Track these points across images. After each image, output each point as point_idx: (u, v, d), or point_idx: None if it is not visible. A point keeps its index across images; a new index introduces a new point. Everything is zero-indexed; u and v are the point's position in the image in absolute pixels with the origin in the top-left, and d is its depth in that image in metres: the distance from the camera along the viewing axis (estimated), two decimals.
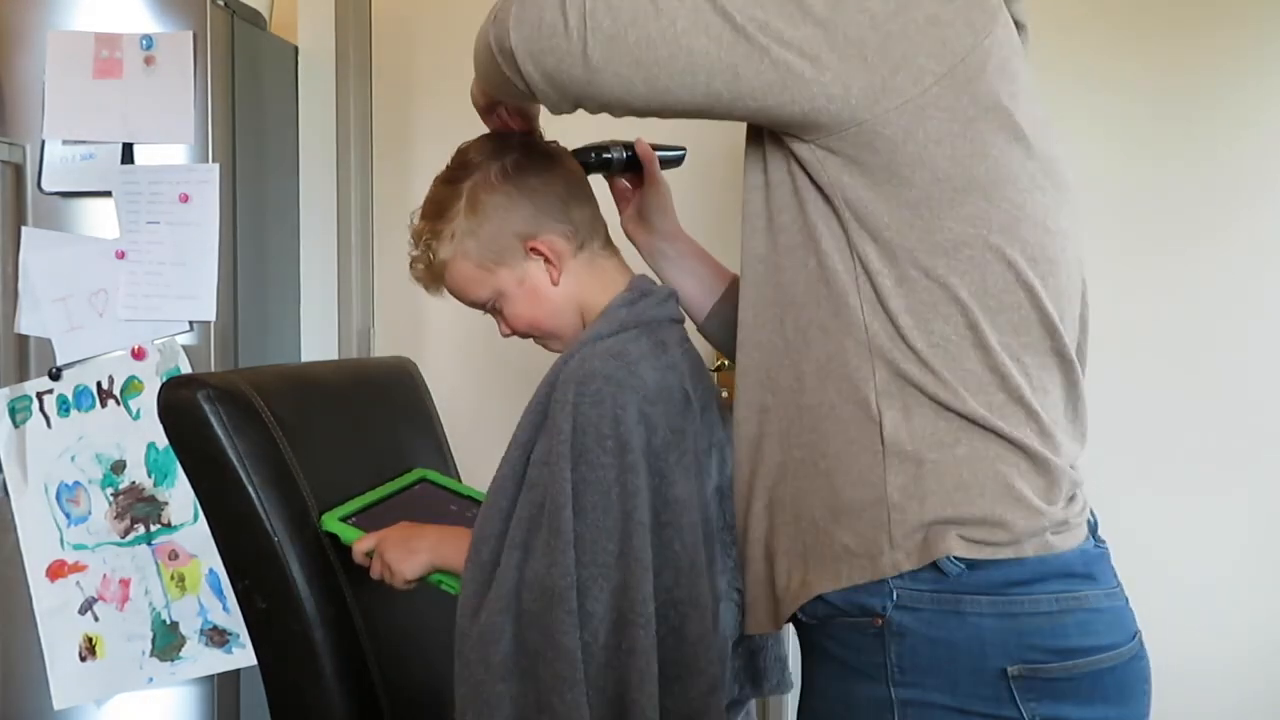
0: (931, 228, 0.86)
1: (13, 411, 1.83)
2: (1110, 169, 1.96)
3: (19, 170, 1.82)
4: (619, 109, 0.91)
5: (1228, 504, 1.96)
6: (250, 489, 1.15)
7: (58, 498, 1.83)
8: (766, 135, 0.93)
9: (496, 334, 1.17)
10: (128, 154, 1.80)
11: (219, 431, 1.15)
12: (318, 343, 2.16)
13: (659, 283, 1.19)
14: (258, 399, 1.19)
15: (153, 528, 1.82)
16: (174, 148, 1.81)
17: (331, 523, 1.20)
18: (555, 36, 0.88)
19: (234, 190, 1.88)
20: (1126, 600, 0.94)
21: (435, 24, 2.24)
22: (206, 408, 1.15)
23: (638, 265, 1.20)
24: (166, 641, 1.82)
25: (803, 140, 0.89)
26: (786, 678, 1.22)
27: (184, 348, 1.81)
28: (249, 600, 1.18)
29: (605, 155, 1.19)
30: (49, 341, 1.81)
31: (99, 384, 1.82)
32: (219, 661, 1.83)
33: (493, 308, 1.14)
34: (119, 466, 1.82)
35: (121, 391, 1.81)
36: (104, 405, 1.82)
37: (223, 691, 1.87)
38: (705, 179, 1.78)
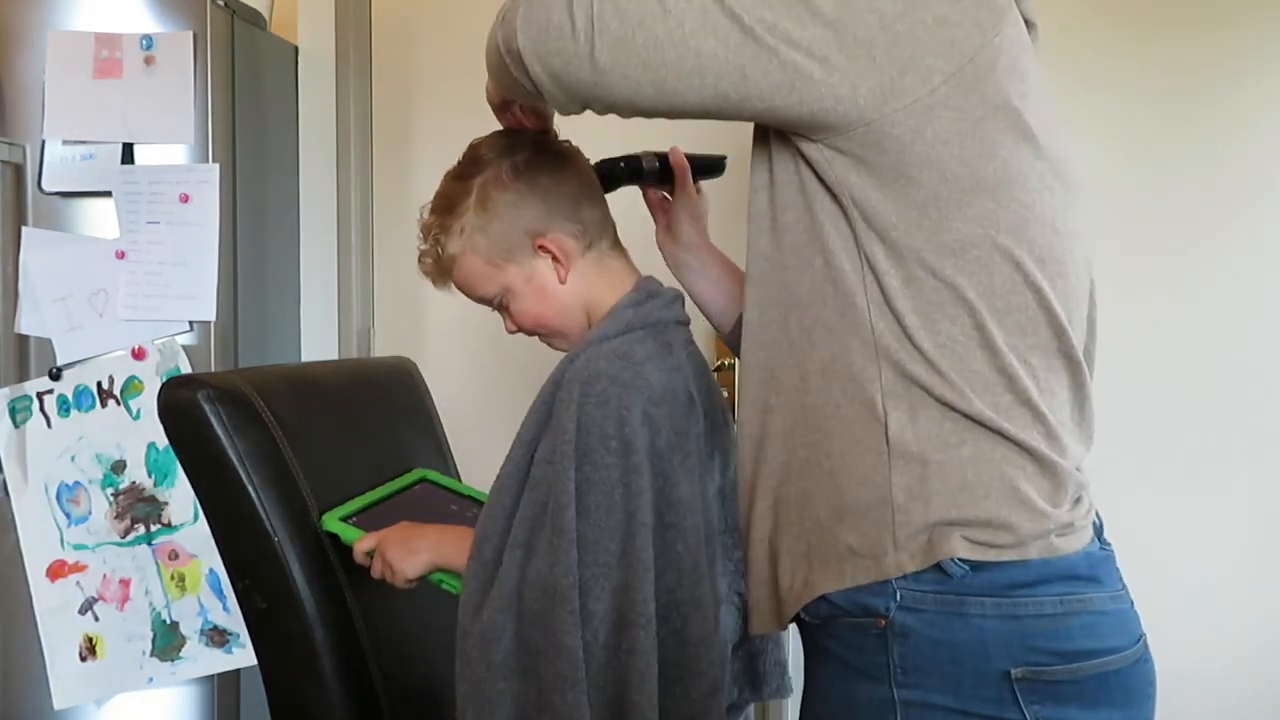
0: (939, 228, 0.86)
1: (13, 411, 1.83)
2: (1110, 169, 1.95)
3: (19, 170, 1.82)
4: (626, 110, 0.91)
5: (1228, 504, 1.96)
6: (250, 489, 1.15)
7: (58, 498, 1.82)
8: (773, 134, 0.93)
9: (496, 334, 1.17)
10: (128, 154, 1.80)
11: (219, 431, 1.15)
12: (318, 343, 2.15)
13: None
14: (258, 399, 1.19)
15: (153, 528, 1.82)
16: (174, 148, 1.81)
17: (332, 523, 1.20)
18: (562, 38, 0.87)
19: (234, 190, 1.88)
20: (1132, 603, 0.93)
21: (435, 24, 2.23)
22: (206, 408, 1.15)
23: (647, 267, 1.19)
24: (166, 641, 1.82)
25: (810, 139, 0.88)
26: (786, 682, 1.22)
27: (184, 348, 1.81)
28: (249, 600, 1.18)
29: (635, 165, 1.17)
30: (49, 341, 1.81)
31: (99, 384, 1.82)
32: (219, 661, 1.83)
33: (500, 304, 1.14)
34: (119, 466, 1.81)
35: (122, 391, 1.81)
36: (104, 405, 1.82)
37: (223, 691, 1.87)
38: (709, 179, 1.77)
